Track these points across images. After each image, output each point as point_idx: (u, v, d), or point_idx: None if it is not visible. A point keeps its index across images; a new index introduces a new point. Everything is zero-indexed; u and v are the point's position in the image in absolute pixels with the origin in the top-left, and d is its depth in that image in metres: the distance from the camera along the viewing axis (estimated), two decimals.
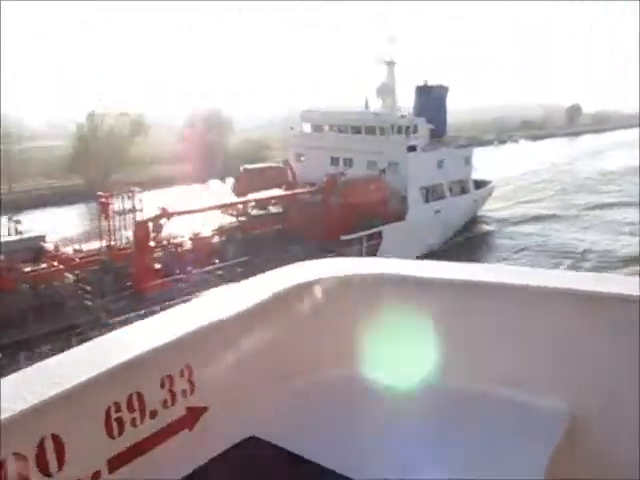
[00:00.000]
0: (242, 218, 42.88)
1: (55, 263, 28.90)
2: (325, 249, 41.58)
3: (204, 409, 2.55)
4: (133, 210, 34.93)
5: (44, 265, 28.24)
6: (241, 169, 48.86)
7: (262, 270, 3.36)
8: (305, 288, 3.08)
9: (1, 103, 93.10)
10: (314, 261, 3.41)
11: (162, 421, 2.40)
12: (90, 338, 2.64)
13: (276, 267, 3.31)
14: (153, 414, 2.36)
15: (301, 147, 53.02)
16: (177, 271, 34.80)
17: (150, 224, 33.17)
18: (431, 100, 56.19)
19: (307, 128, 52.66)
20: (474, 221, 56.46)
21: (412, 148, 46.45)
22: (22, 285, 27.07)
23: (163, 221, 33.76)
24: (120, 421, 2.24)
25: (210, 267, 35.93)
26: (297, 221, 42.01)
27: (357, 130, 48.94)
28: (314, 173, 48.79)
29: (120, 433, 2.23)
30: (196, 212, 38.45)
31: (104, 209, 33.91)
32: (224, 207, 41.74)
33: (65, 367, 2.21)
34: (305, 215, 41.93)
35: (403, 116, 50.72)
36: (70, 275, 29.11)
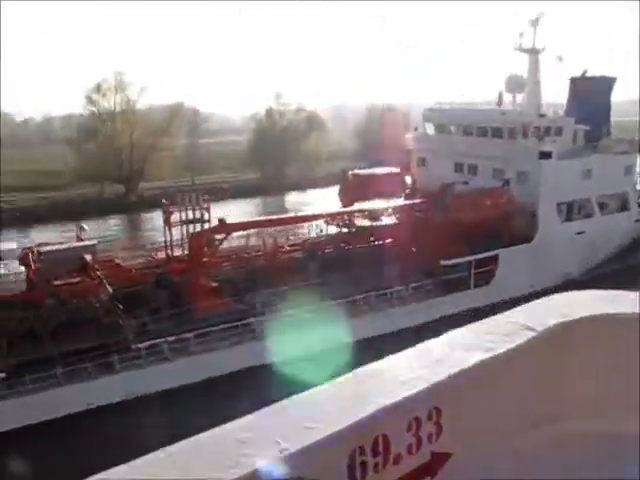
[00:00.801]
0: (344, 230, 38.65)
1: (95, 275, 27.01)
2: (425, 273, 35.78)
3: (448, 455, 2.44)
4: (200, 220, 32.28)
5: (79, 278, 26.41)
6: (349, 173, 44.25)
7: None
8: (560, 327, 2.83)
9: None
10: (562, 295, 3.20)
11: (406, 467, 2.31)
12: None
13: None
14: (397, 459, 2.27)
15: (424, 151, 46.95)
16: (241, 290, 31.43)
17: (206, 236, 30.11)
18: (590, 95, 46.43)
19: (430, 129, 46.37)
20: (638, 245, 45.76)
21: (546, 154, 38.09)
22: (50, 299, 25.49)
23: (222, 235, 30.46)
24: (364, 465, 2.17)
25: (280, 287, 31.96)
26: (399, 237, 36.61)
27: (483, 132, 41.69)
28: (437, 180, 42.96)
29: (362, 478, 2.16)
30: (264, 225, 34.83)
31: (167, 217, 31.61)
32: (316, 217, 37.72)
33: (315, 405, 2.16)
34: (407, 231, 36.38)
35: (542, 115, 42.17)
36: (109, 289, 26.94)
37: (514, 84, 41.63)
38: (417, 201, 37.89)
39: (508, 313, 2.94)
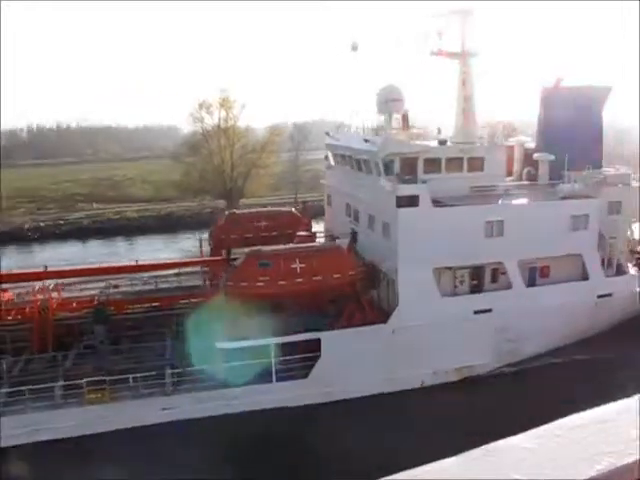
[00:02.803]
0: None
1: None
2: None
3: None
4: None
5: None
6: (226, 212, 36.47)
7: None
8: None
9: None
10: None
11: None
12: None
13: None
14: None
15: (330, 187, 37.52)
16: None
17: None
18: (567, 111, 33.29)
19: (331, 159, 36.70)
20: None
21: (405, 200, 26.99)
22: None
23: None
24: None
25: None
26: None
27: (358, 165, 31.30)
28: (340, 224, 34.29)
29: None
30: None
31: None
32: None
33: None
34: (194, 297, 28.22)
35: (443, 142, 30.57)
36: None
37: (387, 100, 30.27)
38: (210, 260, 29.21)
39: None
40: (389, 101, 29.18)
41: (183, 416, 25.20)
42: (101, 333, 28.75)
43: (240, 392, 26.04)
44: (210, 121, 75.92)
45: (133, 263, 30.95)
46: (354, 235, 29.32)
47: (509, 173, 36.00)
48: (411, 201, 26.95)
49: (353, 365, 27.02)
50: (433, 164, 29.62)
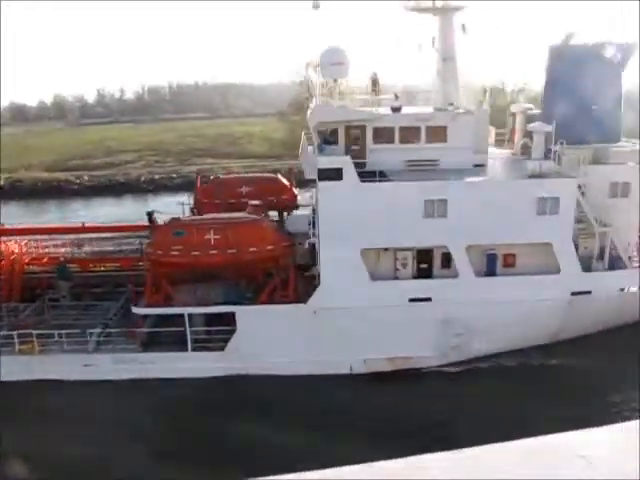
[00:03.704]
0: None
1: None
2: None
3: None
4: None
5: None
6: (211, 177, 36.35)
7: None
8: None
9: None
10: None
11: None
12: None
13: None
14: None
15: None
16: None
17: None
18: (580, 73, 28.61)
19: None
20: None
21: (328, 173, 24.88)
22: None
23: None
24: None
25: None
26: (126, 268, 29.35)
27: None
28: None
29: None
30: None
31: None
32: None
33: None
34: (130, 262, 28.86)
35: (397, 108, 27.40)
36: None
37: (329, 63, 27.31)
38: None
39: None
40: (331, 65, 26.67)
41: (103, 376, 26.12)
42: (64, 288, 30.51)
43: (155, 358, 26.41)
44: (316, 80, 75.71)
45: (79, 225, 32.18)
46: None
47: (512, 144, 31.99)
48: (334, 174, 24.85)
49: (271, 342, 26.11)
50: (384, 134, 26.91)
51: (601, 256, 27.59)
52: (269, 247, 25.88)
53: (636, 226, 28.81)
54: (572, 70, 28.98)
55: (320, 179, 24.97)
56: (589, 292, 26.74)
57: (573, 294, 26.61)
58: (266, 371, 25.85)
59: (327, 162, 24.95)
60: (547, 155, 28.28)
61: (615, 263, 27.99)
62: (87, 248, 32.34)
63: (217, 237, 25.45)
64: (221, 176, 37.55)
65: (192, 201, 33.75)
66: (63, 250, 32.51)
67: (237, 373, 26.06)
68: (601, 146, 28.25)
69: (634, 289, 27.34)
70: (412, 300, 25.94)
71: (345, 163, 24.86)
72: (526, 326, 26.54)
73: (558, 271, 26.41)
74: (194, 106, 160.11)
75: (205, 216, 27.77)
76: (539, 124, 29.54)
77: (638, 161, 28.29)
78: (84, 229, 32.19)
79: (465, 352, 26.83)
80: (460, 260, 26.06)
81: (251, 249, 25.59)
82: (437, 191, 25.17)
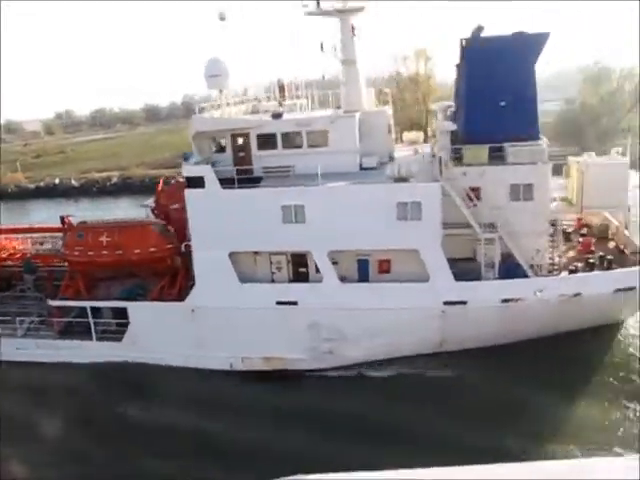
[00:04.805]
0: None
1: None
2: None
3: None
4: None
5: None
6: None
7: None
8: None
9: None
10: None
11: None
12: None
13: None
14: None
15: None
16: None
17: None
18: (491, 66, 27.11)
19: None
20: None
21: (193, 181, 26.23)
22: None
23: None
24: None
25: None
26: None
27: None
28: None
29: None
30: None
31: None
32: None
33: None
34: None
35: (277, 115, 27.62)
36: None
37: (208, 75, 27.92)
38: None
39: None
40: (210, 76, 27.68)
41: (30, 358, 30.05)
42: (28, 281, 35.00)
43: (68, 345, 29.77)
44: (406, 73, 75.91)
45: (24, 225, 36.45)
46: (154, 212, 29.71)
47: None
48: (197, 182, 26.16)
49: (158, 336, 28.19)
50: (267, 140, 27.53)
51: (489, 264, 25.88)
52: (152, 249, 27.94)
53: (543, 231, 26.51)
54: (480, 64, 27.29)
55: (187, 186, 26.49)
56: (464, 302, 25.29)
57: (446, 303, 25.36)
58: (157, 361, 28.03)
59: (190, 171, 26.39)
60: (455, 155, 27.19)
61: (513, 271, 26.05)
62: (49, 245, 36.30)
63: (108, 239, 28.07)
64: (181, 179, 39.87)
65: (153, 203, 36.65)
66: (31, 247, 36.84)
67: (133, 361, 28.54)
68: (499, 145, 26.32)
69: (526, 299, 25.29)
70: (280, 303, 26.51)
71: (206, 171, 26.09)
72: (398, 334, 25.84)
73: (428, 279, 25.36)
74: None
75: (105, 220, 30.50)
76: (442, 123, 28.42)
77: (544, 160, 26.12)
78: (21, 230, 36.28)
79: (340, 358, 26.80)
80: (323, 265, 26.08)
81: (136, 251, 27.84)
82: (293, 197, 25.45)
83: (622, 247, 28.75)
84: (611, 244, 29.64)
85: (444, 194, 25.13)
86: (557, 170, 30.55)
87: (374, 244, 25.46)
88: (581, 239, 29.87)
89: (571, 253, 29.42)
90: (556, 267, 27.08)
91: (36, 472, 22.56)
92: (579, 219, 32.39)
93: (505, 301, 25.35)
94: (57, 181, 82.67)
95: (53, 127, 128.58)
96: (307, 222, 25.56)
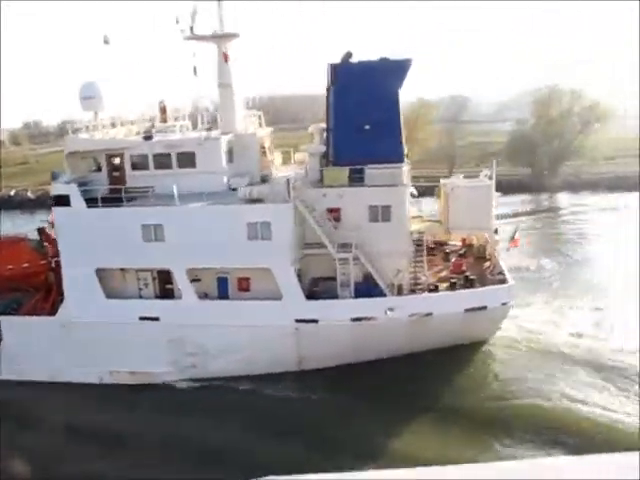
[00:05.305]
0: None
1: None
2: None
3: None
4: None
5: None
6: None
7: None
8: None
9: None
10: None
11: None
12: None
13: None
14: None
15: None
16: None
17: None
18: (358, 91, 28.00)
19: None
20: None
21: (60, 199, 27.11)
22: None
23: None
24: None
25: None
26: None
27: None
28: None
29: None
30: None
31: None
32: None
33: None
34: None
35: (148, 137, 28.48)
36: None
37: (81, 97, 28.89)
38: None
39: None
40: (83, 99, 28.62)
41: None
42: None
43: None
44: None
45: None
46: (40, 230, 30.28)
47: None
48: (64, 200, 26.91)
49: (31, 349, 28.71)
50: (140, 161, 28.35)
51: (344, 284, 26.61)
52: (26, 264, 28.60)
53: (404, 251, 27.24)
54: (347, 89, 28.21)
55: (54, 204, 27.24)
56: (315, 321, 26.00)
57: (298, 321, 26.06)
58: (31, 376, 28.53)
59: (57, 189, 27.17)
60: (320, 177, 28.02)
61: (371, 291, 26.78)
62: None
63: None
64: None
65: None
66: None
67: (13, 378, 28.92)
68: (359, 168, 27.12)
69: (377, 318, 25.97)
70: (143, 318, 27.17)
71: (72, 190, 26.86)
72: (256, 351, 26.49)
73: (281, 297, 26.07)
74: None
75: None
76: (311, 146, 29.30)
77: (402, 183, 26.93)
78: None
79: (202, 371, 27.41)
80: (182, 282, 26.80)
81: (9, 266, 28.50)
82: (152, 216, 26.21)
83: (491, 268, 29.54)
84: (487, 264, 30.48)
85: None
86: (431, 191, 31.55)
87: (229, 262, 26.19)
88: (454, 259, 30.65)
89: (444, 273, 30.30)
90: (420, 287, 27.83)
91: None
92: (463, 239, 33.27)
93: (356, 320, 26.05)
94: (12, 193, 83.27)
95: (20, 137, 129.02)
96: (166, 240, 26.30)
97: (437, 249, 33.09)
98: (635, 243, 42.95)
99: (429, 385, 25.30)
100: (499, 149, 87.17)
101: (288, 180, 26.10)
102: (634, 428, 21.49)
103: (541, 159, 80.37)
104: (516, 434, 22.00)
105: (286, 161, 33.66)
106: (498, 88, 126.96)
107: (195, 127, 32.35)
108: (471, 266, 30.38)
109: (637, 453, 2.53)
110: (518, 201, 67.54)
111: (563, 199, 71.09)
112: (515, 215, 61.94)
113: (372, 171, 26.85)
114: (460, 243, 33.13)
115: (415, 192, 33.34)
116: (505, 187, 71.84)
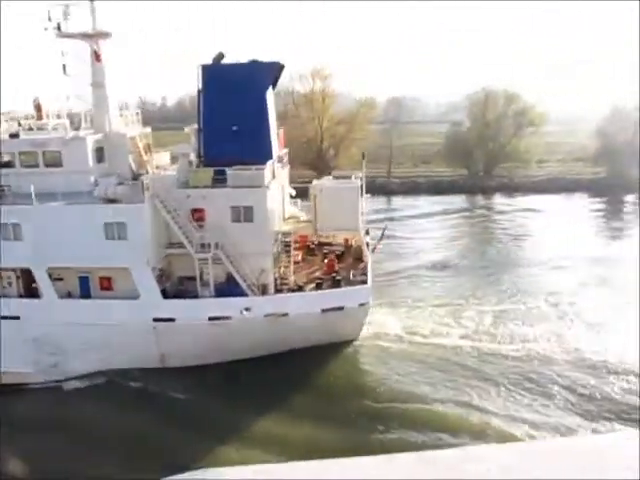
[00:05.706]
0: None
1: None
2: None
3: None
4: None
5: None
6: None
7: None
8: None
9: None
10: None
11: None
12: None
13: None
14: None
15: None
16: None
17: None
18: (227, 93, 28.31)
19: None
20: None
21: None
22: None
23: None
24: None
25: None
26: None
27: None
28: None
29: None
30: None
31: None
32: None
33: None
34: None
35: (14, 135, 28.43)
36: None
37: None
38: None
39: None
40: None
41: None
42: None
43: None
44: (302, 90, 76.73)
45: None
46: None
47: None
48: None
49: None
50: (7, 159, 28.29)
51: (204, 283, 27.01)
52: None
53: (267, 251, 27.70)
54: (216, 90, 28.54)
55: None
56: (173, 320, 26.34)
57: (156, 320, 26.37)
58: None
59: None
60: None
61: (232, 290, 27.19)
62: None
63: None
64: None
65: None
66: None
67: None
68: (221, 169, 27.46)
69: (234, 318, 26.41)
70: (3, 318, 27.11)
71: None
72: (116, 348, 26.69)
73: (139, 296, 26.35)
74: None
75: None
76: (179, 147, 29.55)
77: (264, 184, 27.35)
78: None
79: (63, 371, 27.48)
80: (42, 281, 26.86)
81: None
82: (9, 215, 26.19)
83: (361, 268, 30.23)
84: (362, 265, 31.14)
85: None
86: (304, 193, 32.09)
87: (88, 262, 26.35)
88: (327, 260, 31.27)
89: (318, 273, 30.90)
90: (287, 287, 28.37)
91: None
92: (346, 240, 33.96)
93: (213, 319, 26.45)
94: None
95: None
96: (24, 240, 26.32)
97: (318, 250, 33.77)
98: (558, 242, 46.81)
99: (281, 386, 25.65)
100: (436, 150, 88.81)
101: (142, 180, 26.34)
102: None
103: (476, 161, 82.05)
104: None
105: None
106: (451, 89, 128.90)
107: (77, 127, 32.18)
108: (348, 267, 31.07)
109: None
110: (451, 201, 69.00)
111: (496, 201, 72.29)
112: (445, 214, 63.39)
113: (233, 172, 27.23)
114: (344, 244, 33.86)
115: (293, 192, 34.02)
116: (443, 188, 74.78)
